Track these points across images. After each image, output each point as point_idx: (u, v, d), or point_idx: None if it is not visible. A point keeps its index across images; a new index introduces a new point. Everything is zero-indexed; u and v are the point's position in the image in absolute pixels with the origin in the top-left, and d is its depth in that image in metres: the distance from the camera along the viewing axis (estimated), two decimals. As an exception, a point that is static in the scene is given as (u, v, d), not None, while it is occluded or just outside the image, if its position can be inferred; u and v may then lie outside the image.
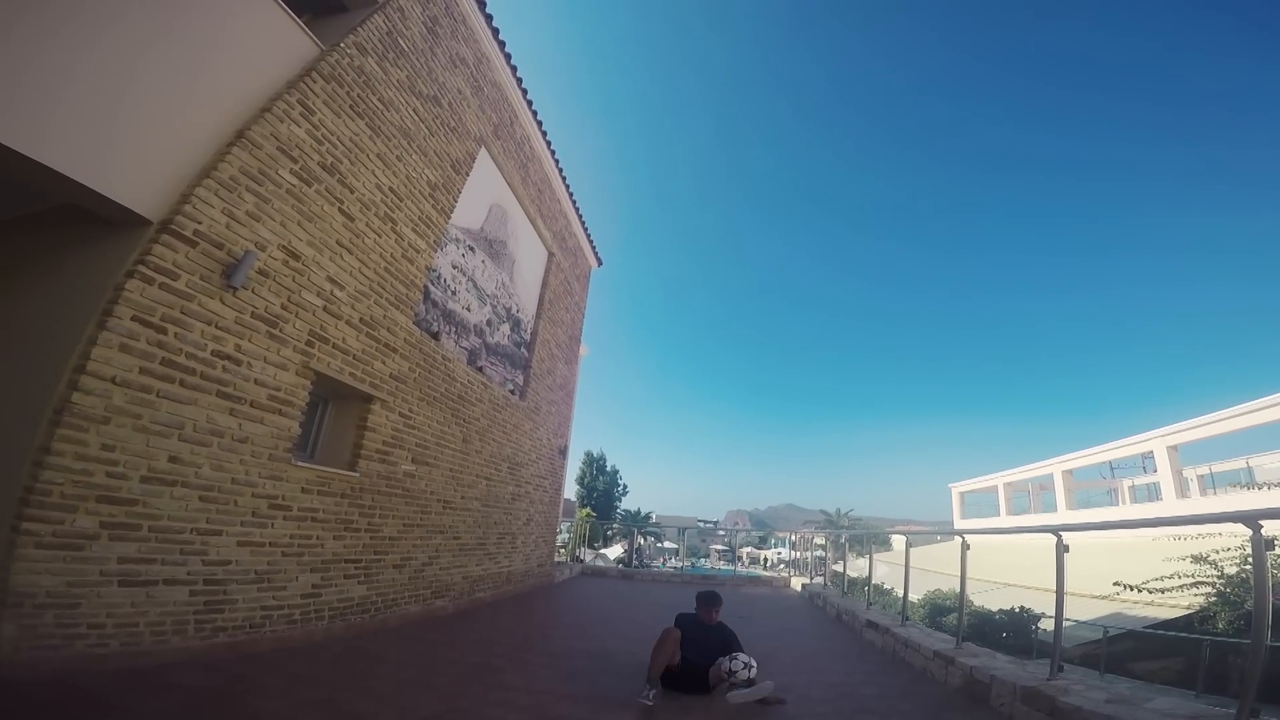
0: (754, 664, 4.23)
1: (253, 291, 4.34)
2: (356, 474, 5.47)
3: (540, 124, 9.50)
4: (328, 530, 5.11)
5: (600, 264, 13.85)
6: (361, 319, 5.47)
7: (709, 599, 4.81)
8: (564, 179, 10.90)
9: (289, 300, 4.66)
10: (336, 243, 5.16)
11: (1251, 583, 3.46)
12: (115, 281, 3.60)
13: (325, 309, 5.03)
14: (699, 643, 4.44)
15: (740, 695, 4.03)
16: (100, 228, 3.86)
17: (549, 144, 9.99)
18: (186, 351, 3.87)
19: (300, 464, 4.86)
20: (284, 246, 4.62)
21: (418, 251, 6.35)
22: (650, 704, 3.84)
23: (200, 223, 3.96)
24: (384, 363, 5.81)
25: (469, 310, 7.82)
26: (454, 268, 7.41)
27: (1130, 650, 9.76)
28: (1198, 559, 9.14)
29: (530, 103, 9.01)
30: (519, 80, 8.56)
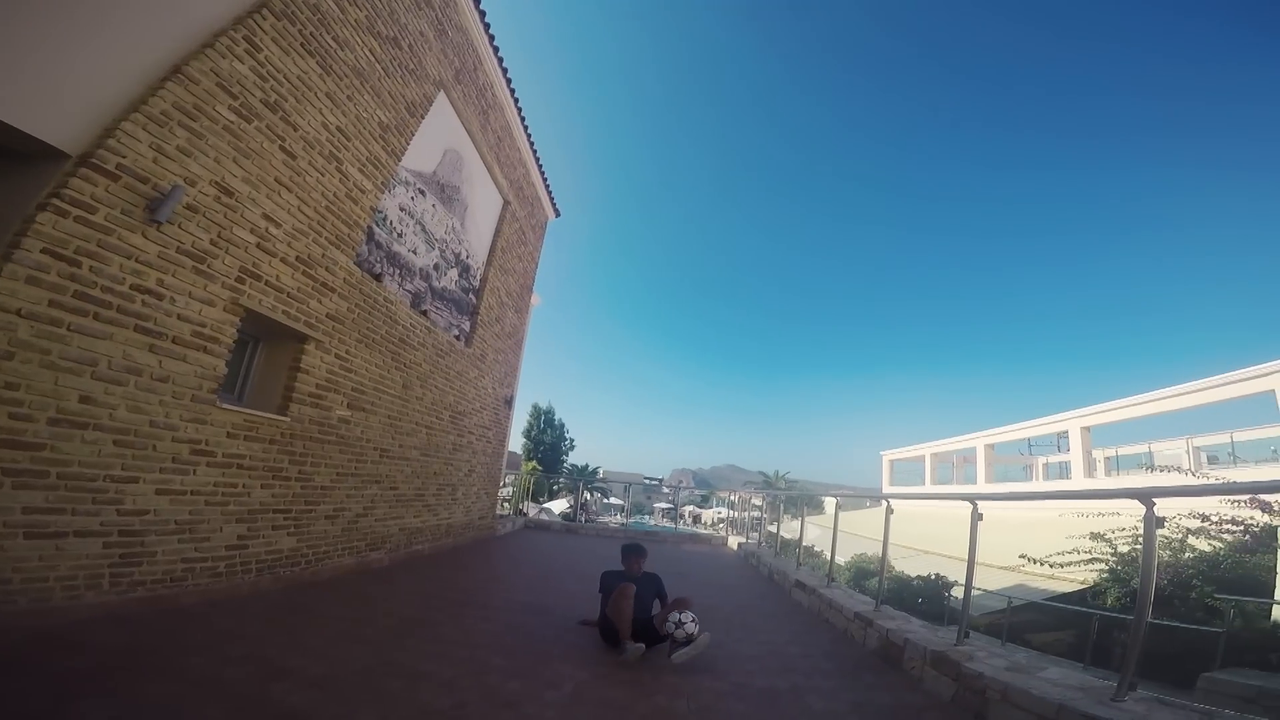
0: (695, 620, 4.26)
1: (179, 226, 4.03)
2: (287, 419, 5.26)
3: (505, 71, 9.08)
4: (255, 478, 4.91)
5: (558, 215, 13.54)
6: (298, 257, 5.18)
7: (635, 550, 4.96)
8: (526, 129, 10.52)
9: (219, 236, 4.36)
10: (275, 180, 4.84)
11: (1140, 561, 3.72)
12: (25, 214, 3.30)
13: (259, 246, 4.73)
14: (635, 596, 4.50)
15: (683, 655, 4.10)
16: (11, 161, 3.50)
17: (513, 92, 9.58)
18: (103, 285, 3.59)
19: (226, 406, 4.62)
20: (216, 182, 4.30)
21: (363, 192, 6.02)
22: (638, 655, 4.04)
23: (124, 157, 3.66)
24: (320, 302, 5.54)
25: (415, 253, 7.52)
26: (401, 210, 7.08)
27: (1030, 621, 10.51)
28: (1096, 536, 9.87)
29: (497, 49, 8.59)
30: (487, 26, 8.14)
